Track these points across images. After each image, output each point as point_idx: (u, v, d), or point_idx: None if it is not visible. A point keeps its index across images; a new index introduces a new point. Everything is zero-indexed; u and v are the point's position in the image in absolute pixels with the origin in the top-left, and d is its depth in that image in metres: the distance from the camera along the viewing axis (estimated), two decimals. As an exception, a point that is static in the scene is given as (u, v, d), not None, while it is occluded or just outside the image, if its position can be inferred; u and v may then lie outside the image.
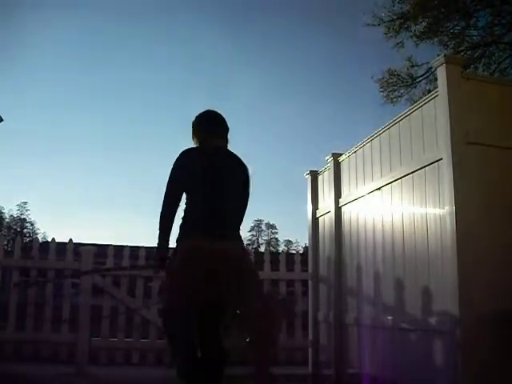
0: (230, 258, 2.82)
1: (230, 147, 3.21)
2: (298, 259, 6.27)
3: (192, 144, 3.26)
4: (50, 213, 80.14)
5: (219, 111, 3.31)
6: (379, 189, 4.31)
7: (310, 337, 5.56)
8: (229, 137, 3.24)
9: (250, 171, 3.17)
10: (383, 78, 13.27)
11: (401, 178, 3.99)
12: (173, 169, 3.00)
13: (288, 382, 4.94)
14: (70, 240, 6.19)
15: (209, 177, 2.95)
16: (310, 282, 5.69)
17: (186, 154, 3.04)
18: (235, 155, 3.17)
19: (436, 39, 12.73)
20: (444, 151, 3.41)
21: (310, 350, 5.52)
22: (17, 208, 64.75)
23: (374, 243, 4.35)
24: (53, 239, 6.32)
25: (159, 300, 5.63)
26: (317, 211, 5.63)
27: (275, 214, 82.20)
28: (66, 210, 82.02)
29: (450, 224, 3.29)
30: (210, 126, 3.19)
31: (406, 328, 3.80)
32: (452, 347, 3.20)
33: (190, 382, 2.88)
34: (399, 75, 13.24)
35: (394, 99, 13.28)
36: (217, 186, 2.94)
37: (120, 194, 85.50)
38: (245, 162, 3.18)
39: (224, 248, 2.82)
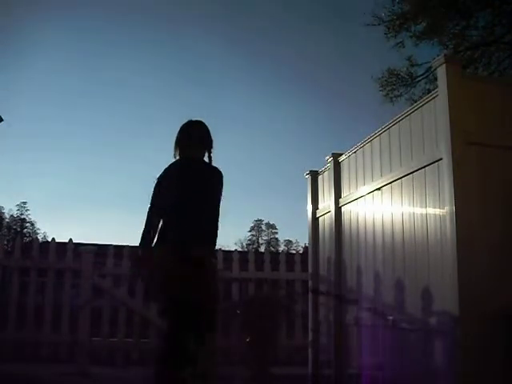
0: (187, 265, 2.96)
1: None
2: (298, 259, 6.28)
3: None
4: (50, 213, 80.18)
5: (213, 129, 3.42)
6: (379, 189, 4.31)
7: (310, 337, 5.56)
8: (207, 146, 3.34)
9: (220, 177, 3.23)
10: (383, 78, 13.24)
11: (401, 178, 3.98)
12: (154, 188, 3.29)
13: (288, 382, 4.95)
14: (70, 240, 6.20)
15: (172, 191, 3.16)
16: (309, 282, 5.69)
17: (160, 174, 3.31)
18: (204, 165, 3.27)
19: (436, 39, 12.72)
20: (444, 151, 3.41)
21: (309, 350, 5.52)
22: (17, 208, 64.76)
23: (374, 243, 4.36)
24: (53, 239, 6.32)
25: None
26: (317, 211, 5.63)
27: (275, 214, 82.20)
28: (66, 210, 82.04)
29: (450, 224, 3.29)
30: (180, 140, 3.34)
31: (406, 328, 3.80)
32: (452, 347, 3.20)
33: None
34: (399, 75, 13.21)
35: (394, 99, 13.25)
36: (180, 199, 3.12)
37: (120, 194, 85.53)
38: (215, 170, 3.25)
39: (181, 256, 2.98)
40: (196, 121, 3.43)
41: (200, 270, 2.99)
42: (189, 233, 3.05)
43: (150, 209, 3.27)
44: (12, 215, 65.18)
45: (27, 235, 59.39)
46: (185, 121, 3.43)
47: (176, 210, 3.10)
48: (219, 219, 3.15)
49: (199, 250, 3.01)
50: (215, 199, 3.15)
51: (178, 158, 3.32)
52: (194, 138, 3.33)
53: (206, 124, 3.44)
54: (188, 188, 3.14)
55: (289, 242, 71.69)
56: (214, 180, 3.21)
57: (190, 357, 2.97)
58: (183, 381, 2.93)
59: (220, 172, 3.26)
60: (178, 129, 3.41)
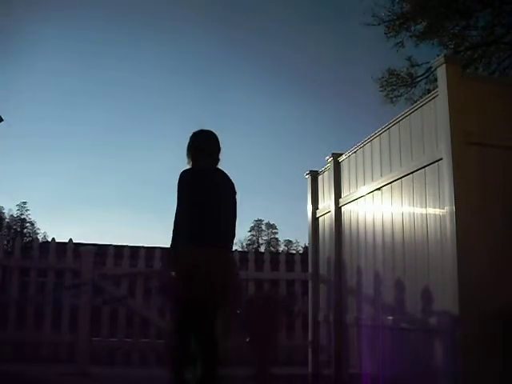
0: (214, 265, 3.22)
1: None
2: (298, 259, 6.28)
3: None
4: (50, 213, 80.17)
5: (212, 129, 3.67)
6: (379, 189, 4.31)
7: (310, 337, 5.56)
8: (220, 156, 3.61)
9: (236, 187, 3.57)
10: (383, 78, 13.23)
11: (401, 178, 3.98)
12: (178, 191, 3.42)
13: (288, 382, 4.95)
14: (70, 240, 6.20)
15: (199, 195, 3.36)
16: (309, 282, 5.69)
17: (182, 176, 3.45)
18: (224, 174, 3.54)
19: (436, 39, 12.71)
20: (444, 151, 3.41)
21: (309, 349, 5.52)
22: (17, 208, 64.77)
23: (374, 243, 4.35)
24: (53, 239, 6.32)
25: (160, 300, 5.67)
26: (317, 211, 5.63)
27: (275, 214, 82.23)
28: (66, 210, 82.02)
29: (450, 224, 3.29)
30: (200, 149, 3.57)
31: (406, 328, 3.80)
32: (452, 347, 3.20)
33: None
34: (399, 75, 13.21)
35: (394, 99, 13.25)
36: (206, 204, 3.35)
37: (120, 194, 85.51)
38: (231, 179, 3.56)
39: (208, 255, 3.23)
40: (211, 131, 3.66)
41: (231, 268, 3.41)
42: (220, 235, 3.36)
43: (182, 212, 3.38)
44: (12, 215, 65.23)
45: (27, 235, 59.39)
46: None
47: (206, 215, 3.33)
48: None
49: (228, 251, 3.44)
50: (235, 206, 3.54)
51: (199, 165, 3.51)
52: (215, 148, 3.60)
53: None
54: (218, 195, 3.41)
55: (289, 242, 71.76)
56: (233, 189, 3.56)
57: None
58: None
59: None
60: (195, 138, 3.62)
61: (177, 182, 3.42)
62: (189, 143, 3.60)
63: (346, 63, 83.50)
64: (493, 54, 12.60)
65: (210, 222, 3.32)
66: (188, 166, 3.54)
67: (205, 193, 3.37)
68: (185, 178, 3.42)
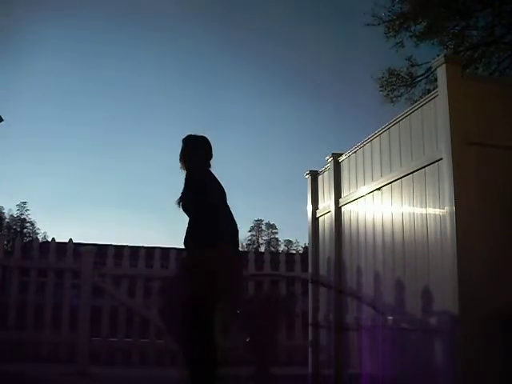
0: (212, 265, 3.25)
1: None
2: (298, 259, 6.28)
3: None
4: (50, 213, 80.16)
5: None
6: (379, 189, 4.31)
7: (310, 337, 5.55)
8: (211, 161, 3.71)
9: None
10: (383, 77, 13.23)
11: (401, 178, 3.98)
12: None
13: (288, 382, 4.95)
14: (70, 240, 6.20)
15: (198, 200, 3.44)
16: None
17: (201, 179, 3.54)
18: (215, 178, 3.60)
19: (436, 39, 12.71)
20: (444, 151, 3.40)
21: (309, 349, 5.52)
22: (17, 208, 64.77)
23: (374, 243, 4.35)
24: (53, 239, 6.33)
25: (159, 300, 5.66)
26: (317, 211, 5.62)
27: (275, 214, 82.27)
28: (66, 210, 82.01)
29: (450, 224, 3.29)
30: (195, 153, 3.65)
31: (406, 328, 3.80)
32: (452, 347, 3.20)
33: None
34: (399, 75, 13.21)
35: (394, 99, 13.26)
36: (206, 207, 3.42)
37: (120, 194, 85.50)
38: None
39: (208, 256, 3.28)
40: (204, 136, 3.73)
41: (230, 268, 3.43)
42: (221, 235, 3.41)
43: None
44: (12, 215, 65.24)
45: (27, 235, 59.40)
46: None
47: (206, 217, 3.40)
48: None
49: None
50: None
51: (192, 170, 3.57)
52: (207, 154, 3.68)
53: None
54: (218, 198, 3.53)
55: (289, 242, 71.82)
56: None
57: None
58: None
59: None
60: (187, 143, 3.67)
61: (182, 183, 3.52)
62: (181, 148, 3.67)
63: (346, 63, 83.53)
64: (493, 54, 12.61)
65: (209, 223, 3.37)
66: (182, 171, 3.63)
67: (203, 197, 3.44)
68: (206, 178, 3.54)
